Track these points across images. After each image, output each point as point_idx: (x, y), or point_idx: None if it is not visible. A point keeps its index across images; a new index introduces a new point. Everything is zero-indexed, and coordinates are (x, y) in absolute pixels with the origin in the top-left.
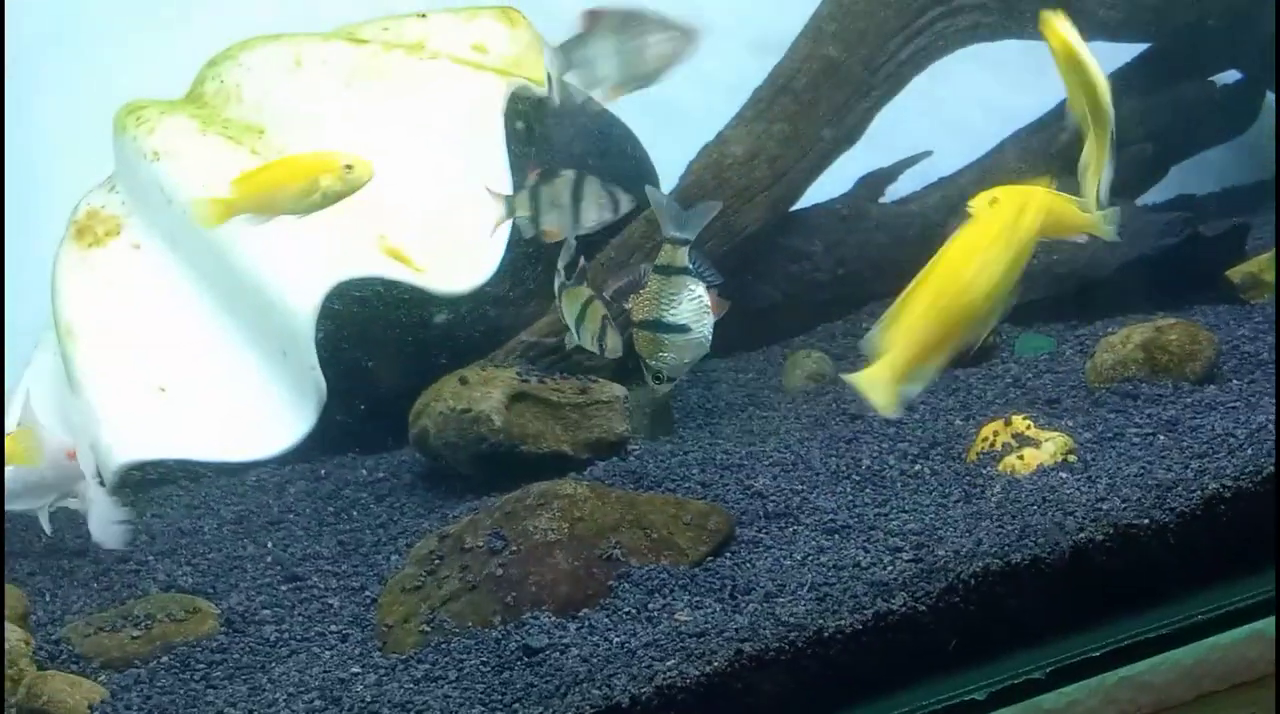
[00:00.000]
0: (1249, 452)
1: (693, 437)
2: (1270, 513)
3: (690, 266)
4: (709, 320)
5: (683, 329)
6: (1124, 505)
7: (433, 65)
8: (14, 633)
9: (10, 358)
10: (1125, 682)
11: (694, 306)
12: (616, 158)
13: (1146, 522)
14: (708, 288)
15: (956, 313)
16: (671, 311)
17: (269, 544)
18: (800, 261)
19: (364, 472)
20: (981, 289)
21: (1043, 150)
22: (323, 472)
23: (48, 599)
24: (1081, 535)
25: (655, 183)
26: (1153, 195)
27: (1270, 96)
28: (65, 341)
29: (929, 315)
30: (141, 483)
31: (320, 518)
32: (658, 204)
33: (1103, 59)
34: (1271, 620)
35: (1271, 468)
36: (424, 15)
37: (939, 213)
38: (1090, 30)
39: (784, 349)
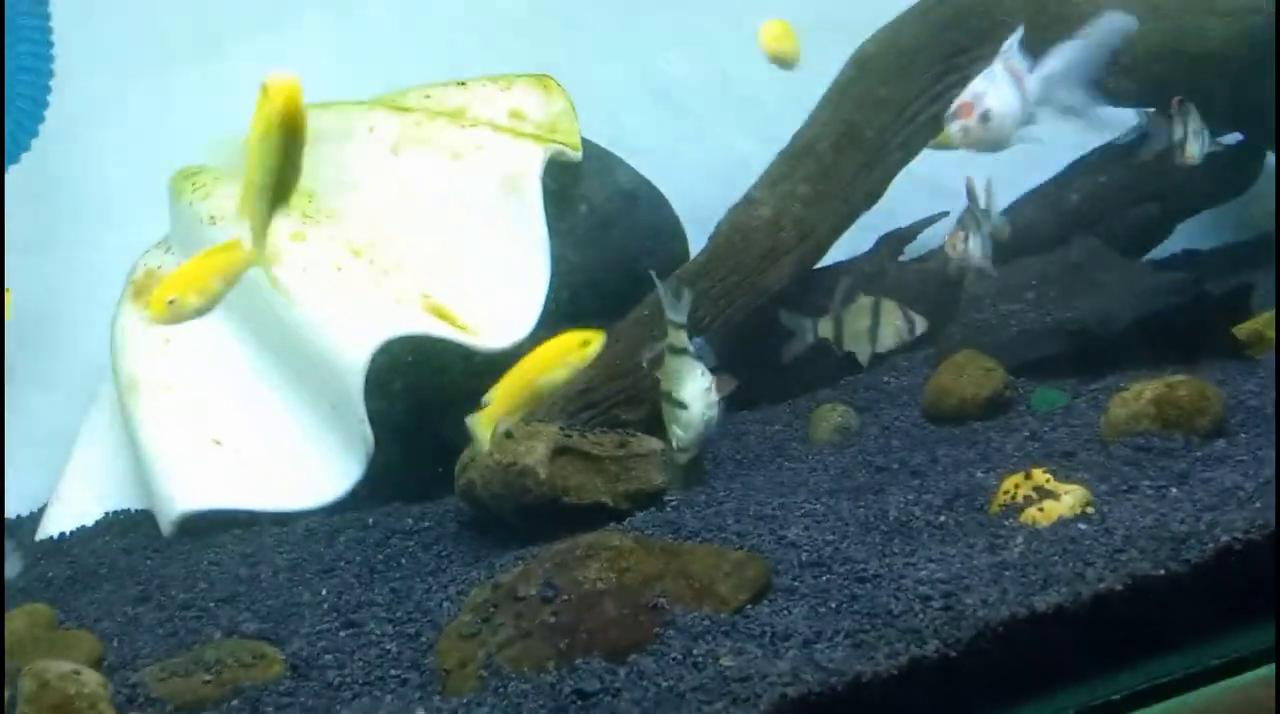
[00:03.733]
0: (1257, 505)
1: (725, 488)
2: (1271, 565)
3: (689, 348)
4: (712, 400)
5: (684, 406)
6: (1141, 556)
7: (473, 133)
8: (92, 677)
9: (70, 412)
10: None
11: (695, 387)
12: (645, 219)
13: (1162, 572)
14: (712, 371)
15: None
16: (677, 389)
17: (324, 591)
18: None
19: (410, 521)
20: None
21: (1053, 210)
22: (370, 520)
23: (116, 644)
24: (1101, 585)
25: (683, 241)
26: (1159, 251)
27: (1270, 157)
28: (126, 396)
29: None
30: (199, 531)
31: (371, 565)
32: (660, 289)
33: (1114, 124)
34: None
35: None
36: (464, 83)
37: (957, 270)
38: (1103, 98)
39: (810, 402)
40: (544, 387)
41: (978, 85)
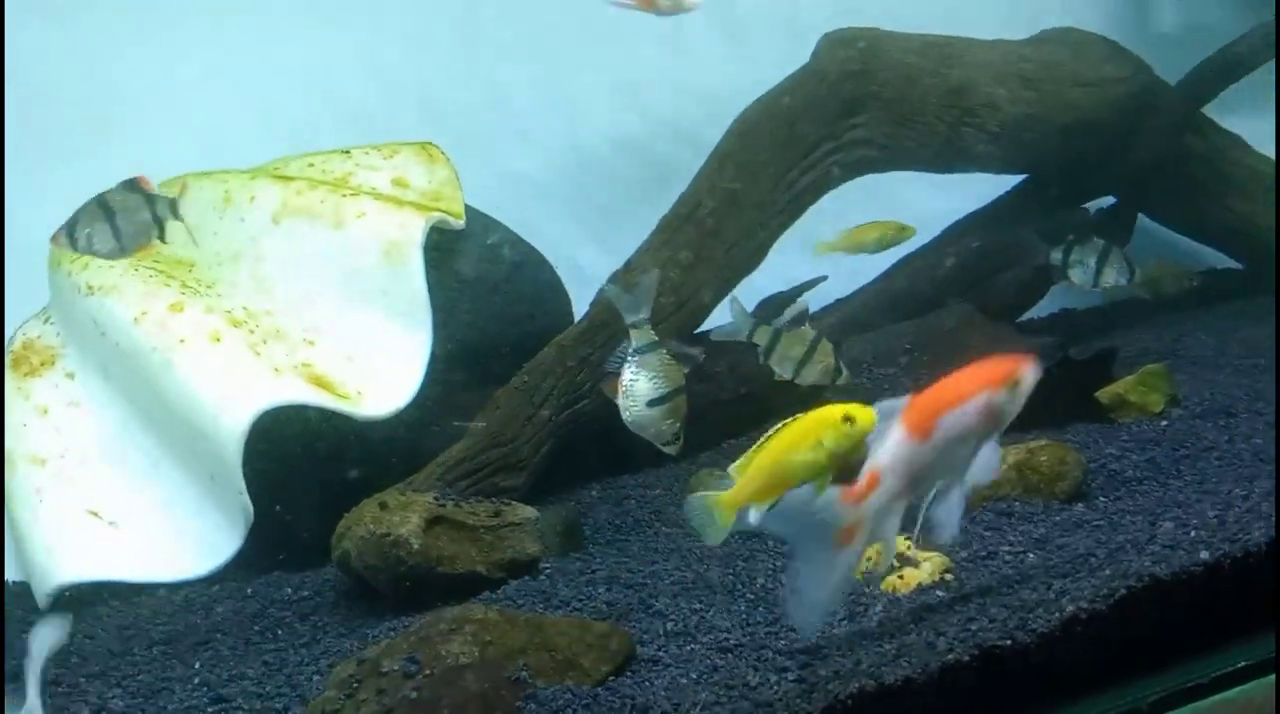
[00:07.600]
0: (1107, 572)
1: (601, 554)
2: (1115, 633)
3: (656, 339)
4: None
5: (678, 392)
6: (990, 625)
7: (355, 202)
8: None
9: None
10: None
11: (675, 368)
12: (528, 281)
13: (1009, 643)
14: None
15: (780, 476)
16: (666, 381)
17: (197, 664)
18: (705, 381)
19: (289, 590)
20: (798, 466)
21: (928, 275)
22: (249, 590)
23: None
24: (950, 656)
25: (567, 306)
26: (1037, 311)
27: (1140, 217)
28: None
29: (762, 472)
30: (74, 603)
31: (247, 637)
32: (614, 297)
33: (984, 190)
34: None
35: (1123, 590)
36: (348, 152)
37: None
38: (970, 164)
39: (691, 465)
40: (795, 471)
41: None
